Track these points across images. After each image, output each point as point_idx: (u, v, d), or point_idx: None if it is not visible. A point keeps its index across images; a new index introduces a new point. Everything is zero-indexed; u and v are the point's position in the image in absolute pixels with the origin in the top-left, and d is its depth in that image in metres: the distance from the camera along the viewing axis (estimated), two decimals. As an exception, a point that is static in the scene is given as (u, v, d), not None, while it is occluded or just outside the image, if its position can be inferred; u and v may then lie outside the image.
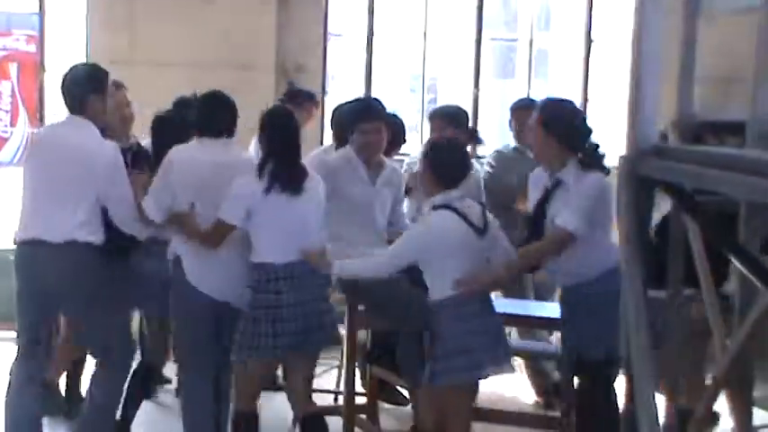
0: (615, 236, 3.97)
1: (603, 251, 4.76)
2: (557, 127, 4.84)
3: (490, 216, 4.79)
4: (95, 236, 5.07)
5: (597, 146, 4.87)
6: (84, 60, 7.60)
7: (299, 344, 4.85)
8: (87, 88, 5.08)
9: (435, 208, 4.68)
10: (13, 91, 12.63)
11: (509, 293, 6.49)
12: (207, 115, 5.05)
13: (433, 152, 4.79)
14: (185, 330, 5.15)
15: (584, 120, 5.10)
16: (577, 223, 4.70)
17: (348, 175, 5.47)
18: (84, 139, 5.04)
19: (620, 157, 3.20)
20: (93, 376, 5.27)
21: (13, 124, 11.36)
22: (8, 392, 5.24)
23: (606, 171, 4.84)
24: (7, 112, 12.78)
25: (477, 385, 4.86)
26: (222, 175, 4.86)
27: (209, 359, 5.11)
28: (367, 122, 5.49)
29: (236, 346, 4.87)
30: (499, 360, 4.69)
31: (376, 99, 6.34)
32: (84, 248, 5.01)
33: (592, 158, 4.84)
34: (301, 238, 4.81)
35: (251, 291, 4.85)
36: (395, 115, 6.23)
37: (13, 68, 12.42)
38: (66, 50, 7.86)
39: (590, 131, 4.93)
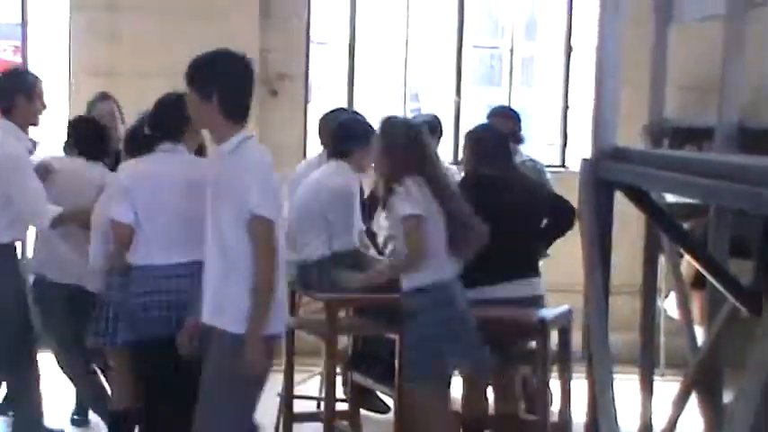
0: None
1: None
2: None
3: None
4: (15, 235, 5.26)
5: None
6: (66, 71, 7.64)
7: None
8: (15, 88, 5.27)
9: None
10: None
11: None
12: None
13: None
14: None
15: None
16: None
17: None
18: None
19: (582, 161, 3.22)
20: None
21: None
22: None
23: None
24: (-6, 122, 12.73)
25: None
26: None
27: None
28: None
29: None
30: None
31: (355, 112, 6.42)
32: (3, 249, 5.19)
33: None
34: None
35: None
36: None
37: (-1, 79, 12.38)
38: (50, 61, 7.86)
39: None
